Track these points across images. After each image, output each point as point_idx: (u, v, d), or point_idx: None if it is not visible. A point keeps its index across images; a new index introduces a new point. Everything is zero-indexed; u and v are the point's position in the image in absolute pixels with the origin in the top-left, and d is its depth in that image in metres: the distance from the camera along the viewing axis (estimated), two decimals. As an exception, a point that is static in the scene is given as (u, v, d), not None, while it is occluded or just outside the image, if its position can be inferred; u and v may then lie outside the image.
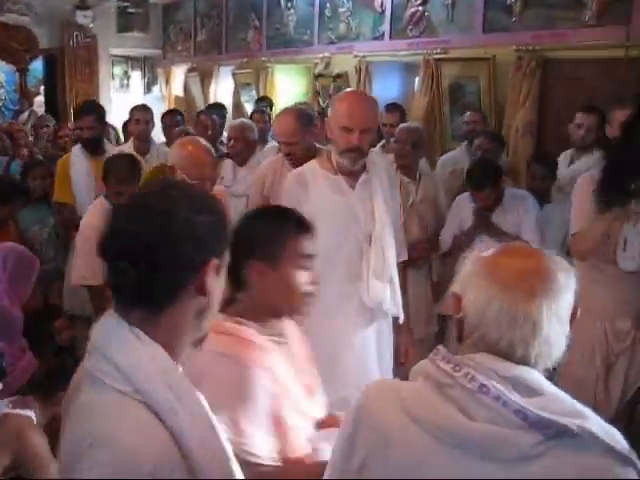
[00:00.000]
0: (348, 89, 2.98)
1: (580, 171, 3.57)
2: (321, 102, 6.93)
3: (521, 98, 4.97)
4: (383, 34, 6.34)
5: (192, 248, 1.15)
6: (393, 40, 6.27)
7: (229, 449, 1.24)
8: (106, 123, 5.66)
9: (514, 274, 1.20)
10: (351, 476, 1.26)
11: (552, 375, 1.24)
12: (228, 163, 4.77)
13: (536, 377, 1.17)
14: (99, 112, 4.92)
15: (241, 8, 8.72)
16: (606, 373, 3.17)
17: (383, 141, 5.07)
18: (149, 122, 5.07)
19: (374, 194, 2.81)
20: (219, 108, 6.59)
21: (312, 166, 2.95)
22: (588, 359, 3.17)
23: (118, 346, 1.13)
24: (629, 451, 1.12)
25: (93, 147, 4.66)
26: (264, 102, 6.79)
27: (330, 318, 2.68)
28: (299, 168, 3.02)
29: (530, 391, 1.14)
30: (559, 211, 3.73)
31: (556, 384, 3.29)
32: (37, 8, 9.80)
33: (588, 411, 1.14)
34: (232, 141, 4.72)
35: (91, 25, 10.18)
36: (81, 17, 9.99)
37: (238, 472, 1.25)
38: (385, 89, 6.34)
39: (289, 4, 7.70)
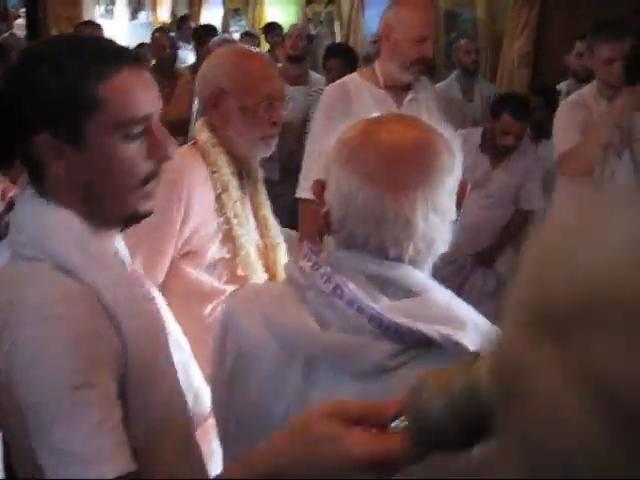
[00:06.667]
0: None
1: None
2: (312, 30, 6.69)
3: (518, 29, 4.80)
4: (378, -42, 6.09)
5: (29, 111, 1.02)
6: (389, -35, 6.02)
7: (165, 324, 1.17)
8: None
9: (382, 158, 0.96)
10: (225, 385, 1.11)
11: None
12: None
13: (413, 275, 0.99)
14: None
15: None
16: None
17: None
18: None
19: (421, 116, 2.62)
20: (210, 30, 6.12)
21: (353, 78, 2.77)
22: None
23: (27, 213, 1.07)
24: None
25: None
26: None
27: None
28: (340, 80, 2.82)
29: (404, 292, 0.97)
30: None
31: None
32: None
33: (473, 319, 0.96)
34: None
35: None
36: None
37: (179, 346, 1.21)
38: (378, 17, 6.11)
39: None
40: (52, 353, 0.95)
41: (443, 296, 0.99)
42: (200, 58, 5.29)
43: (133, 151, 1.04)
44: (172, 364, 1.14)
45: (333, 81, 4.03)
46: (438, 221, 0.98)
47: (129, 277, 1.12)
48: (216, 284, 1.91)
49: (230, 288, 1.91)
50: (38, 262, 1.03)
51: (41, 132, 1.00)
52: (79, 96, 0.99)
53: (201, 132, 1.91)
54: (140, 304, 1.08)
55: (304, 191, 2.75)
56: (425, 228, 0.96)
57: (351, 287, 0.95)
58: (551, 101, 3.93)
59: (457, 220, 1.03)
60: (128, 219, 1.11)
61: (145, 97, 1.05)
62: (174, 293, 1.80)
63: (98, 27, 4.99)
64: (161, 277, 1.87)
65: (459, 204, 1.03)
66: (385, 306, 0.95)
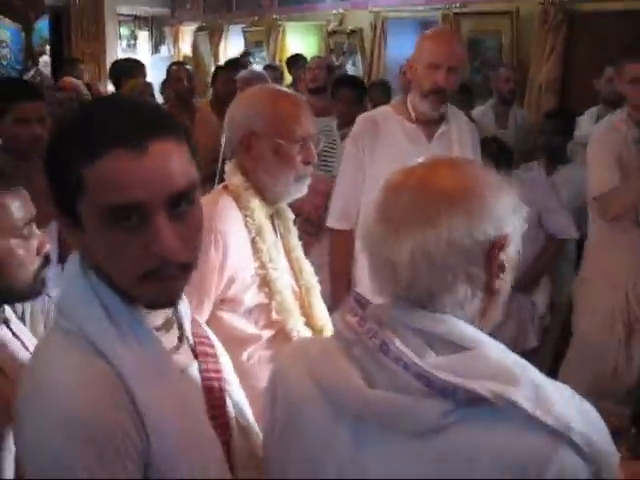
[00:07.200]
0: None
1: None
2: (334, 60, 6.70)
3: (545, 54, 4.75)
4: (400, -12, 6.12)
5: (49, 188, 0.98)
6: (410, -6, 6.04)
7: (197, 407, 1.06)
8: None
9: (389, 201, 0.98)
10: (275, 445, 1.07)
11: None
12: None
13: (461, 329, 0.95)
14: None
15: (251, -36, 8.46)
16: (627, 340, 2.99)
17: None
18: None
19: (452, 149, 2.57)
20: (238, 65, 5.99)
21: (384, 110, 2.75)
22: (609, 325, 2.98)
23: (67, 279, 1.03)
24: (567, 426, 0.86)
25: None
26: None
27: None
28: (370, 112, 2.81)
29: (452, 346, 0.93)
30: (581, 171, 3.47)
31: (575, 351, 3.08)
32: (42, -36, 9.58)
33: (528, 374, 0.91)
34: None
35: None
36: (87, -26, 9.75)
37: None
38: (401, 47, 6.10)
39: (301, -41, 7.45)
40: (65, 445, 0.90)
41: (494, 350, 0.95)
42: (215, 92, 5.31)
43: (127, 241, 0.92)
44: (204, 456, 1.02)
45: (342, 111, 4.04)
46: (435, 271, 0.93)
47: (160, 358, 1.02)
48: (251, 330, 1.85)
49: (267, 333, 1.86)
50: (70, 334, 0.98)
51: (55, 208, 0.98)
52: (67, 179, 0.92)
53: (232, 175, 1.86)
54: (170, 393, 0.99)
55: (334, 220, 2.73)
56: (412, 272, 0.93)
57: (397, 343, 0.92)
58: (568, 127, 3.82)
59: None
60: (146, 306, 1.00)
61: (137, 183, 0.89)
62: None
63: (140, 64, 4.95)
64: (204, 317, 1.78)
65: (489, 264, 0.96)
66: (433, 362, 0.91)
